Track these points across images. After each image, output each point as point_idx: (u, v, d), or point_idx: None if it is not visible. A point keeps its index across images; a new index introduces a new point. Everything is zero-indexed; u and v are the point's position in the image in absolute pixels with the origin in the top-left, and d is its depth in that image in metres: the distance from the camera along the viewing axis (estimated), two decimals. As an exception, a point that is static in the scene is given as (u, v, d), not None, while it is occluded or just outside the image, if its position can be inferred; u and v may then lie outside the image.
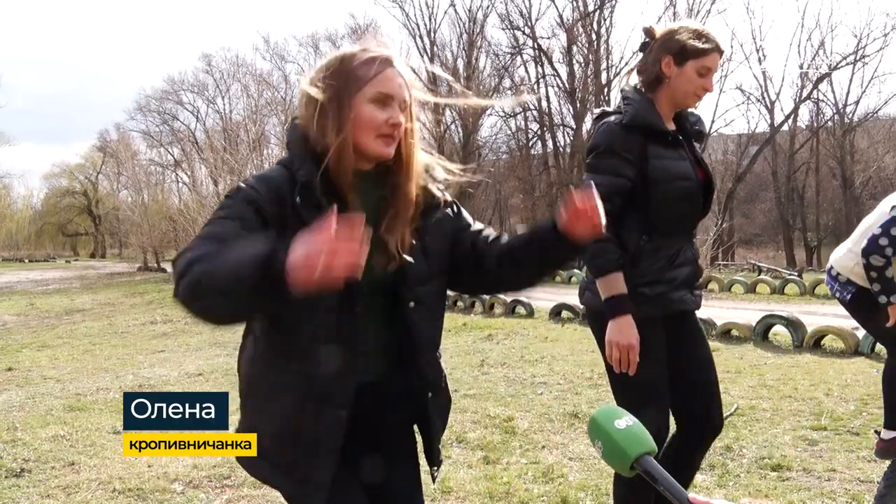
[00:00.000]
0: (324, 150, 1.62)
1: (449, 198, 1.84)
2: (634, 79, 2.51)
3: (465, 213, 1.90)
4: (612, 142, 2.31)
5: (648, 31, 2.45)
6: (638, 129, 2.31)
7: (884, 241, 3.65)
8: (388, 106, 1.63)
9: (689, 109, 2.50)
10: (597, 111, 2.52)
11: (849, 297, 3.85)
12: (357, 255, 1.26)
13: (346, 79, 1.62)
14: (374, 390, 1.76)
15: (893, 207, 3.73)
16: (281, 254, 1.29)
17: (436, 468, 2.00)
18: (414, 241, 1.72)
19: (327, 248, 1.23)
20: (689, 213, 2.40)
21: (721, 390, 7.04)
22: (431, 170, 1.81)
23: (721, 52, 2.39)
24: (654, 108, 2.36)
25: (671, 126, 2.43)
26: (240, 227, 1.54)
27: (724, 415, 6.06)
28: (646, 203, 2.32)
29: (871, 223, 3.88)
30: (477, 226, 1.89)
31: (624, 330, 2.25)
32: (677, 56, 2.35)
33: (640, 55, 2.49)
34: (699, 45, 2.35)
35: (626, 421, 1.36)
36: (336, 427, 1.69)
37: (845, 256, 3.94)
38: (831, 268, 4.03)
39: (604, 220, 1.55)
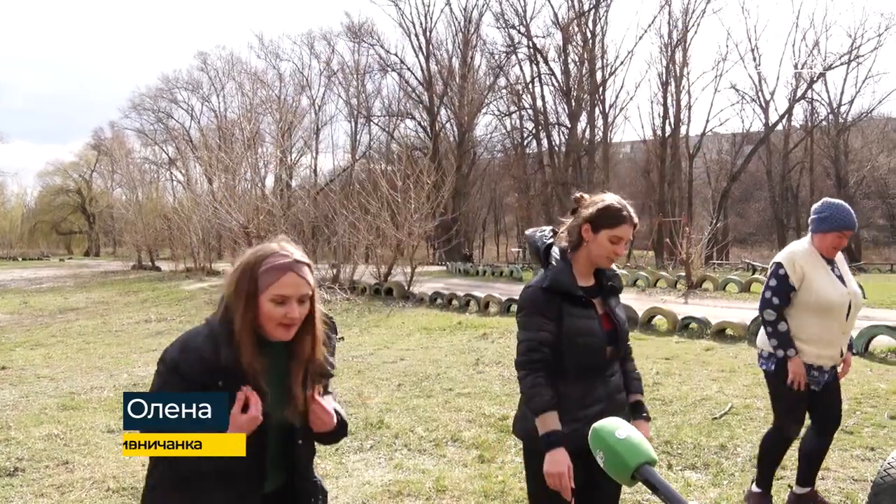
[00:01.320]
0: (237, 332, 2.06)
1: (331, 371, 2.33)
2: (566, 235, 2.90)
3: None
4: (535, 304, 2.75)
5: (578, 200, 2.87)
6: (555, 291, 2.74)
7: (768, 294, 3.97)
8: (285, 304, 2.06)
9: (614, 271, 2.91)
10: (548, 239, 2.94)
11: (773, 366, 3.98)
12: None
13: (254, 282, 2.06)
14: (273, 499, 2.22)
15: (773, 262, 4.06)
16: None
17: None
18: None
19: None
20: (593, 363, 2.76)
21: (716, 389, 7.09)
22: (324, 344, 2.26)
23: (634, 225, 2.79)
24: (571, 272, 2.79)
25: (590, 281, 2.85)
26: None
27: (719, 414, 6.10)
28: (558, 354, 2.72)
29: None
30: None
31: (558, 461, 2.59)
32: (594, 225, 2.77)
33: (571, 218, 2.90)
34: (613, 216, 2.76)
35: (626, 431, 1.38)
36: None
37: (762, 333, 4.10)
38: (758, 348, 4.17)
39: None
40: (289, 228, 26.17)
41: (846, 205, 4.01)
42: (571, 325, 2.71)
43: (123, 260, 47.94)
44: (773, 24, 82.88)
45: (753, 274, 24.12)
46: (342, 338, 12.46)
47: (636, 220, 2.81)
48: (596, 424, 1.43)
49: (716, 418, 6.05)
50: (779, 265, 3.99)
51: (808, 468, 4.08)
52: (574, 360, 2.72)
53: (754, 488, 4.16)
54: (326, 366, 2.26)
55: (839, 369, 4.09)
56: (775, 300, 3.94)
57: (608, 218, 2.76)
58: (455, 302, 16.34)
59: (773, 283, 3.97)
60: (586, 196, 2.86)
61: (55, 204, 72.47)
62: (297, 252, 2.15)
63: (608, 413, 2.72)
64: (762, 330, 4.06)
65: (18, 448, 5.72)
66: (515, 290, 18.02)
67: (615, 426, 1.39)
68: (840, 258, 4.08)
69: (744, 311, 12.68)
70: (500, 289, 19.18)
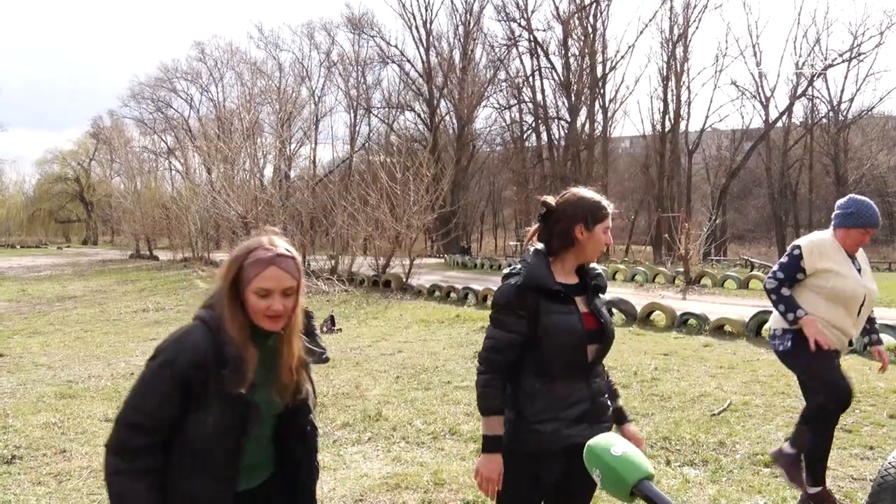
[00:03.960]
0: (226, 324, 2.14)
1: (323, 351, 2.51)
2: (537, 243, 2.87)
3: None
4: (509, 301, 2.72)
5: (546, 204, 2.83)
6: (532, 288, 2.70)
7: (775, 268, 4.05)
8: (268, 297, 2.13)
9: (595, 268, 2.89)
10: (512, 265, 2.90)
11: (789, 343, 3.97)
12: None
13: (238, 275, 2.15)
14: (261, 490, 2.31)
15: (792, 244, 4.09)
16: None
17: None
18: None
19: None
20: (574, 361, 2.71)
21: (714, 386, 7.08)
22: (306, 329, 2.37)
23: (611, 211, 2.80)
24: (548, 268, 2.76)
25: (572, 279, 2.81)
26: (163, 401, 2.09)
27: (717, 411, 6.09)
28: (540, 351, 2.69)
29: None
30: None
31: (491, 464, 2.62)
32: (587, 223, 2.75)
33: (539, 225, 2.86)
34: (600, 208, 2.76)
35: (621, 448, 1.35)
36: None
37: (774, 314, 4.10)
38: (770, 330, 4.18)
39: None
40: (287, 219, 26.15)
41: (871, 202, 4.04)
42: (550, 322, 2.68)
43: (121, 249, 47.99)
44: (774, 20, 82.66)
45: (752, 270, 24.13)
46: (340, 329, 12.46)
47: (610, 206, 2.83)
48: (590, 442, 1.40)
49: (714, 415, 6.05)
50: (796, 247, 4.04)
51: (815, 465, 4.07)
52: (555, 358, 2.68)
53: (810, 490, 4.08)
54: (310, 352, 2.37)
55: (878, 365, 4.18)
56: (780, 274, 4.00)
57: (597, 211, 2.76)
58: (453, 294, 16.34)
59: (784, 260, 4.03)
60: (550, 199, 2.86)
61: (53, 192, 72.33)
62: (282, 246, 2.21)
63: (591, 415, 2.73)
64: (774, 312, 4.07)
65: (16, 436, 5.71)
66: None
67: (610, 443, 1.37)
68: (861, 255, 4.13)
69: (742, 307, 12.68)
70: (497, 282, 19.15)
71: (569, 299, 2.73)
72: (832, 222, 4.09)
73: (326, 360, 2.47)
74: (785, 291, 3.95)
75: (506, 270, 2.88)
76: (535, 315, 2.68)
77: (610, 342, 2.83)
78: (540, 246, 2.83)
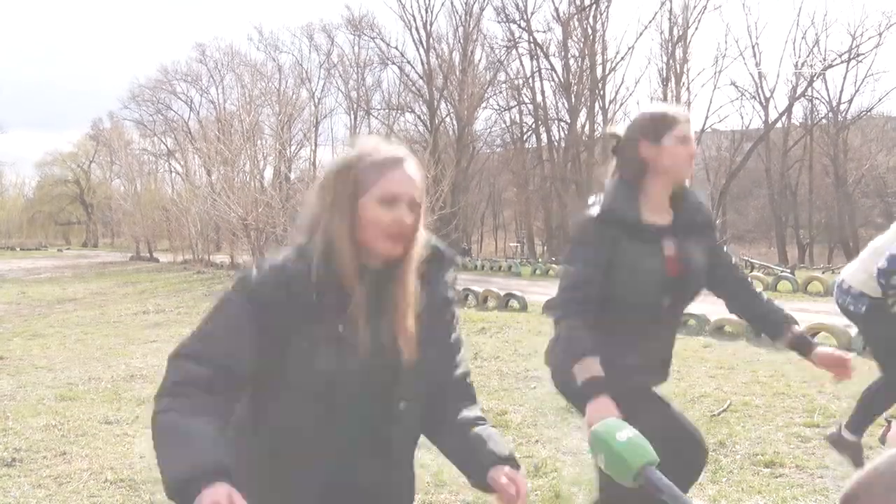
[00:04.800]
0: (335, 246, 1.65)
1: (451, 295, 1.89)
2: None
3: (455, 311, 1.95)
4: (584, 234, 2.41)
5: (613, 135, 2.51)
6: (610, 220, 2.36)
7: None
8: (394, 207, 1.65)
9: (697, 199, 2.54)
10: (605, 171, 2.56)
11: (863, 308, 3.81)
12: None
13: (355, 181, 1.66)
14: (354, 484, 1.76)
15: None
16: (201, 482, 1.37)
17: None
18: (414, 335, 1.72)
19: None
20: (649, 305, 2.39)
21: (714, 386, 7.07)
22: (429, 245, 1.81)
23: (688, 119, 2.43)
24: (633, 200, 2.39)
25: (665, 217, 2.45)
26: (236, 336, 1.60)
27: (717, 411, 6.09)
28: (611, 290, 2.36)
29: (882, 243, 3.86)
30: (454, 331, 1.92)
31: (601, 407, 2.19)
32: (651, 136, 2.38)
33: (615, 159, 2.53)
34: (666, 117, 2.40)
35: (627, 433, 1.35)
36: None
37: (858, 269, 3.91)
38: (842, 281, 3.99)
39: None
40: (288, 221, 26.15)
41: None
42: (628, 261, 2.35)
43: (121, 251, 47.99)
44: (773, 21, 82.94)
45: (752, 271, 24.10)
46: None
47: (684, 112, 2.45)
48: (595, 427, 1.40)
49: (714, 415, 6.05)
50: None
51: (865, 415, 3.95)
52: (623, 302, 2.38)
53: (845, 433, 3.98)
54: (438, 299, 1.81)
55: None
56: None
57: (661, 120, 2.40)
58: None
59: None
60: (617, 130, 2.52)
61: (53, 194, 72.31)
62: (401, 147, 1.77)
63: (645, 372, 2.46)
64: (854, 266, 3.86)
65: (16, 438, 5.71)
66: (514, 285, 18.04)
67: (615, 428, 1.37)
68: None
69: (742, 308, 12.66)
70: (498, 283, 19.18)
71: (653, 238, 2.39)
72: None
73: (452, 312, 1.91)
74: None
75: (590, 199, 2.52)
76: (614, 252, 2.35)
77: (690, 295, 2.49)
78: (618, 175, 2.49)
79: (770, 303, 2.60)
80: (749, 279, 2.71)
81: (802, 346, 2.49)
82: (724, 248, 2.65)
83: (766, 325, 2.60)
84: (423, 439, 1.94)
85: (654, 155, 2.38)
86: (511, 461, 1.69)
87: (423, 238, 1.76)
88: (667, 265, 2.38)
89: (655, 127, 2.38)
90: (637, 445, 1.33)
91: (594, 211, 2.40)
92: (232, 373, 1.58)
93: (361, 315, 1.63)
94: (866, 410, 3.98)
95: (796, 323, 2.54)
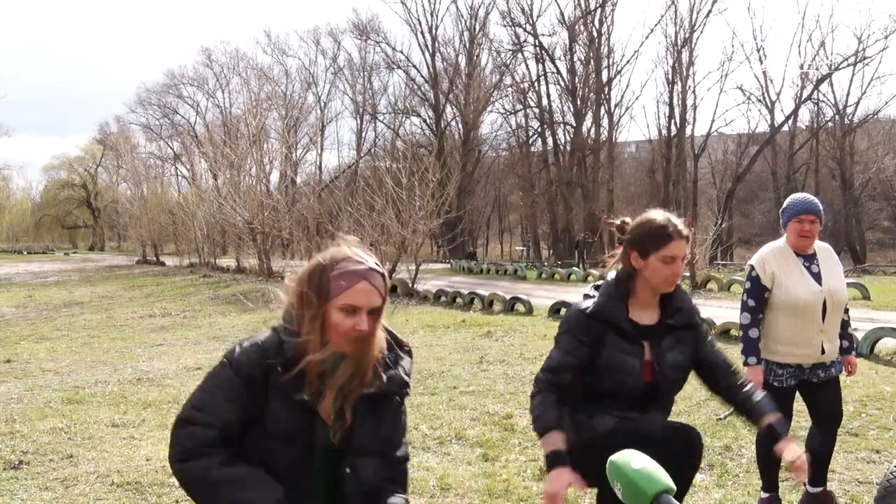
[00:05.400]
0: (304, 338, 1.98)
1: (407, 379, 2.18)
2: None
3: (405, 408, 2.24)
4: (573, 326, 2.62)
5: (620, 228, 2.71)
6: (599, 319, 2.58)
7: (744, 297, 4.01)
8: (355, 315, 1.95)
9: (681, 302, 2.70)
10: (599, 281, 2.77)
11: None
12: None
13: (325, 289, 1.96)
14: None
15: (749, 266, 4.03)
16: None
17: None
18: (361, 415, 2.05)
19: None
20: (628, 401, 2.60)
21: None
22: (384, 349, 2.14)
23: (685, 238, 2.58)
24: (622, 302, 2.60)
25: (652, 317, 2.64)
26: (227, 400, 1.95)
27: (723, 415, 6.08)
28: (595, 380, 2.59)
29: None
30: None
31: (556, 480, 2.42)
32: (641, 250, 2.58)
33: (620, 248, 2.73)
34: (658, 235, 2.56)
35: (642, 462, 1.38)
36: None
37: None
38: None
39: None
40: (293, 225, 26.22)
41: (809, 195, 4.00)
42: (611, 357, 2.56)
43: (128, 254, 48.02)
44: (779, 24, 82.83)
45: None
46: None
47: (686, 231, 2.59)
48: (612, 457, 1.43)
49: (720, 419, 6.04)
50: (751, 267, 3.99)
51: (817, 467, 4.05)
52: (602, 389, 2.60)
53: (810, 489, 4.05)
54: (376, 383, 2.08)
55: (843, 371, 4.06)
56: (750, 302, 3.95)
57: (654, 238, 2.56)
58: (459, 300, 16.33)
59: (747, 285, 3.97)
60: (628, 219, 2.71)
61: (60, 198, 72.55)
62: (371, 259, 2.03)
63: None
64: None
65: (23, 441, 5.73)
66: (519, 289, 18.04)
67: (631, 457, 1.40)
68: (826, 254, 3.98)
69: (748, 311, 12.61)
70: (504, 287, 19.16)
71: (635, 341, 2.59)
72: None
73: (403, 395, 2.19)
74: (752, 333, 3.92)
75: (587, 289, 2.75)
76: (599, 345, 2.57)
77: (664, 399, 2.68)
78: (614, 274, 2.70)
79: (751, 389, 2.77)
80: (735, 368, 2.87)
81: (771, 438, 2.63)
82: (710, 340, 2.83)
83: (745, 410, 2.75)
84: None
85: (641, 266, 2.60)
86: None
87: (381, 333, 2.11)
88: (644, 369, 2.59)
89: (645, 242, 2.58)
90: (652, 473, 1.36)
91: (587, 305, 2.64)
92: (232, 427, 1.94)
93: (323, 390, 1.97)
94: (818, 462, 4.02)
95: (775, 412, 2.69)
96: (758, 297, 3.93)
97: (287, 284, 2.09)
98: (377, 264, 2.03)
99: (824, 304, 3.82)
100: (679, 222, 2.61)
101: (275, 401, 1.95)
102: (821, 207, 3.93)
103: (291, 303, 2.03)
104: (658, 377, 2.60)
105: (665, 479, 1.34)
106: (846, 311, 4.04)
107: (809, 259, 3.91)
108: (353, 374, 2.01)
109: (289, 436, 1.95)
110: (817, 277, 3.86)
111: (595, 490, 2.74)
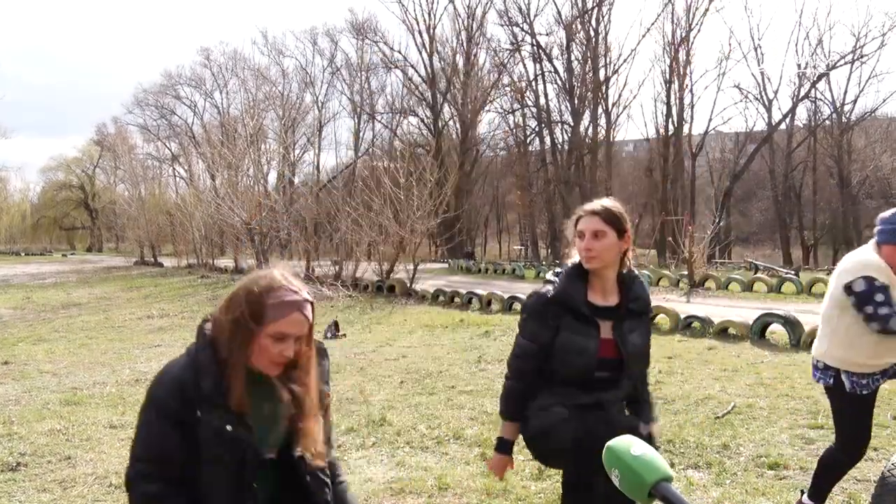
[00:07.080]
0: (229, 361, 2.01)
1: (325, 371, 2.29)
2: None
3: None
4: (534, 311, 2.78)
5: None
6: (557, 303, 2.71)
7: (870, 308, 3.53)
8: (282, 342, 2.01)
9: (636, 287, 2.82)
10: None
11: (831, 381, 3.76)
12: None
13: (258, 313, 1.99)
14: None
15: (860, 278, 3.59)
16: None
17: None
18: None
19: None
20: (580, 377, 2.70)
21: (718, 388, 7.07)
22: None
23: (593, 213, 2.71)
24: (583, 285, 2.73)
25: (612, 299, 2.76)
26: (161, 442, 1.98)
27: (721, 413, 6.09)
28: (550, 363, 2.73)
29: (826, 308, 3.82)
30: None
31: (497, 464, 2.91)
32: (575, 230, 2.77)
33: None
34: (577, 214, 2.77)
35: (641, 449, 1.35)
36: None
37: (819, 343, 3.85)
38: (814, 359, 3.90)
39: None
40: (291, 225, 26.20)
41: None
42: (566, 340, 2.69)
43: (126, 255, 48.04)
44: (775, 22, 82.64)
45: (756, 273, 24.08)
46: (344, 334, 12.47)
47: (590, 207, 2.75)
48: (610, 443, 1.40)
49: (718, 417, 6.05)
50: (866, 278, 3.57)
51: (824, 483, 3.91)
52: (559, 371, 2.72)
53: (805, 500, 3.96)
54: (321, 396, 2.21)
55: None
56: (883, 310, 3.51)
57: (577, 217, 2.77)
58: (457, 299, 16.33)
59: (879, 298, 3.53)
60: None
61: (58, 199, 72.53)
62: (304, 289, 2.09)
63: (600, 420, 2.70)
64: (818, 340, 3.83)
65: (21, 443, 5.73)
66: (517, 288, 18.03)
67: (629, 443, 1.37)
68: None
69: (746, 310, 12.66)
70: (502, 286, 19.17)
71: (591, 321, 2.71)
72: (875, 238, 3.68)
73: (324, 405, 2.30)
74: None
75: (548, 275, 2.88)
76: (557, 328, 2.71)
77: (628, 374, 2.78)
78: (577, 259, 2.80)
79: (650, 400, 3.03)
80: (647, 376, 3.12)
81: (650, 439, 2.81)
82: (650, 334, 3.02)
83: (636, 405, 2.96)
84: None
85: (578, 247, 2.75)
86: None
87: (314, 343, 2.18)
88: (600, 346, 2.69)
89: (576, 222, 2.77)
90: (651, 461, 1.33)
91: (546, 289, 2.76)
92: (174, 464, 1.97)
93: (247, 419, 2.00)
94: (823, 481, 3.95)
95: (656, 422, 2.96)
96: (889, 299, 3.53)
97: (220, 308, 2.11)
98: (308, 293, 2.09)
99: None
100: (591, 204, 2.77)
101: (204, 429, 1.98)
102: None
103: (221, 326, 2.05)
104: (622, 353, 2.72)
105: (664, 466, 1.32)
106: None
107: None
108: (299, 392, 2.10)
109: (221, 458, 1.99)
110: None
111: (560, 471, 2.97)
